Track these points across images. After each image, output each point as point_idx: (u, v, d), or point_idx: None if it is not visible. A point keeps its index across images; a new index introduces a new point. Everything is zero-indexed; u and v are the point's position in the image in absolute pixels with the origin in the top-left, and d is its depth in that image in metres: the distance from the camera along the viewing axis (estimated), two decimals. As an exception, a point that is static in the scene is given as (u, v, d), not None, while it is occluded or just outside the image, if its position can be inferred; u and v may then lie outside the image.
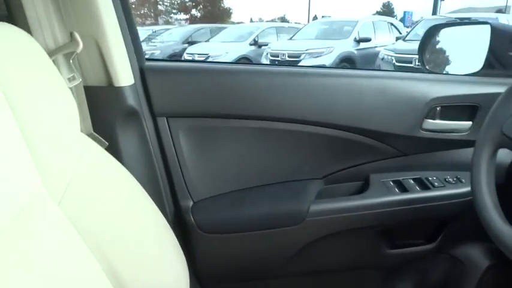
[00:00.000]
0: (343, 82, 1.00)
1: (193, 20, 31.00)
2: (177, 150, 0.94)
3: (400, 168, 1.06)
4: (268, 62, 8.26)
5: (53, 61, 0.68)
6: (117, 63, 0.79)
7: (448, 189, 1.00)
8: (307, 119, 0.98)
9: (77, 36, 0.74)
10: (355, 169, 1.05)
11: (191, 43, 10.59)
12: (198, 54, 9.32)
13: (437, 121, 1.02)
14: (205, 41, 10.45)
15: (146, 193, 0.70)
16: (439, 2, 13.90)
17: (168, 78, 0.93)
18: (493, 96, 1.01)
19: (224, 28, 11.68)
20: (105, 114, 0.82)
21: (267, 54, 8.41)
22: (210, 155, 0.98)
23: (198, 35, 11.57)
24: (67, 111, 0.55)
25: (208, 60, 8.89)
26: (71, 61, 0.74)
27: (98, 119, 0.79)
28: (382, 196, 0.98)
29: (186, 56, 9.55)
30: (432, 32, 1.25)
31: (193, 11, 32.94)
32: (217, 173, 0.99)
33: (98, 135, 0.77)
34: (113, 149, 0.79)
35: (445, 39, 1.25)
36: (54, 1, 0.71)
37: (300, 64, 7.80)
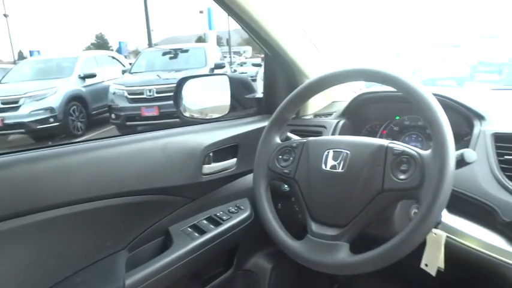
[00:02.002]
0: (128, 149, 1.01)
1: None
2: None
3: (193, 212, 1.15)
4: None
5: None
6: None
7: (234, 218, 1.17)
8: (96, 195, 0.94)
9: None
10: (155, 227, 1.08)
11: None
12: None
13: (212, 164, 1.17)
14: None
15: None
16: (151, 33, 15.06)
17: None
18: (246, 134, 1.25)
19: None
20: None
21: (-30, 104, 6.97)
22: None
23: None
24: None
25: None
26: None
27: None
28: (187, 245, 1.04)
29: None
30: (180, 83, 1.41)
31: None
32: (4, 285, 0.81)
33: None
34: None
35: (194, 88, 1.44)
36: None
37: (21, 109, 6.88)
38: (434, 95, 1.00)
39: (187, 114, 1.44)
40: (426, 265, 0.89)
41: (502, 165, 0.90)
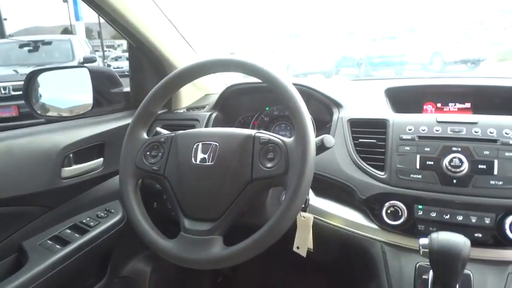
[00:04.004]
0: None
1: None
2: None
3: (53, 222, 1.02)
4: None
5: None
6: None
7: (104, 223, 1.07)
8: None
9: None
10: (3, 244, 0.92)
11: None
12: None
13: (74, 167, 1.05)
14: None
15: None
16: (3, 22, 13.09)
17: None
18: (113, 131, 1.15)
19: None
20: None
21: None
22: None
23: None
24: None
25: None
26: None
27: None
28: (46, 260, 0.92)
29: None
30: (31, 77, 1.23)
31: None
32: None
33: None
34: None
35: (49, 82, 1.27)
36: None
37: None
38: (298, 85, 1.05)
39: (46, 112, 1.27)
40: (298, 247, 0.94)
41: (358, 148, 1.00)
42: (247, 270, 1.51)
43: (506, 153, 0.85)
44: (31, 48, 7.05)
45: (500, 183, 0.84)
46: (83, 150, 1.07)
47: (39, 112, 1.23)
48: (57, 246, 0.97)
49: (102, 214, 1.09)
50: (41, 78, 1.25)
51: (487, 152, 0.86)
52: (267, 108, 1.28)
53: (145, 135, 0.91)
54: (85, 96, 1.22)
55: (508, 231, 0.82)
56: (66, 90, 1.30)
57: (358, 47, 11.10)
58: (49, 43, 7.24)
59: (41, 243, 0.97)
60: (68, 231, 1.02)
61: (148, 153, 0.88)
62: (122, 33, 1.15)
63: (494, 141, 0.87)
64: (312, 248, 0.94)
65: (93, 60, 7.07)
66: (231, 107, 1.28)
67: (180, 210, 0.82)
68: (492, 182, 0.84)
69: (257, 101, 1.28)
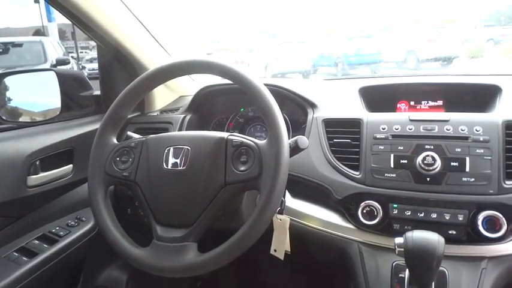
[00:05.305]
0: None
1: None
2: None
3: (20, 233, 0.98)
4: None
5: None
6: None
7: (74, 232, 1.03)
8: None
9: None
10: None
11: None
12: None
13: (41, 174, 1.01)
14: None
15: None
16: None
17: None
18: (83, 136, 1.11)
19: None
20: None
21: None
22: None
23: None
24: None
25: None
26: None
27: None
28: (12, 273, 0.88)
29: None
30: (-5, 81, 1.18)
31: None
32: None
33: None
34: None
35: (15, 86, 1.22)
36: None
37: None
38: (272, 85, 1.04)
39: (11, 117, 1.22)
40: (275, 250, 0.93)
41: (333, 148, 0.99)
42: (226, 273, 1.49)
43: (477, 150, 0.86)
44: (0, 50, 6.82)
45: (472, 179, 0.85)
46: (50, 157, 1.03)
47: (4, 118, 1.18)
48: (24, 258, 0.93)
49: (72, 223, 1.06)
50: (6, 82, 1.20)
51: (458, 150, 0.87)
52: (242, 110, 1.27)
53: (114, 140, 0.88)
54: (53, 100, 1.17)
55: (480, 228, 0.83)
56: (33, 94, 1.25)
57: (335, 46, 11.20)
58: (20, 45, 7.02)
59: (6, 256, 0.92)
60: (36, 241, 0.98)
61: (118, 158, 0.85)
62: (89, 35, 1.11)
63: (466, 138, 0.88)
64: (289, 250, 0.93)
65: (66, 62, 6.88)
66: (205, 109, 1.26)
67: (153, 217, 0.80)
68: (464, 179, 0.85)
69: (232, 102, 1.26)
